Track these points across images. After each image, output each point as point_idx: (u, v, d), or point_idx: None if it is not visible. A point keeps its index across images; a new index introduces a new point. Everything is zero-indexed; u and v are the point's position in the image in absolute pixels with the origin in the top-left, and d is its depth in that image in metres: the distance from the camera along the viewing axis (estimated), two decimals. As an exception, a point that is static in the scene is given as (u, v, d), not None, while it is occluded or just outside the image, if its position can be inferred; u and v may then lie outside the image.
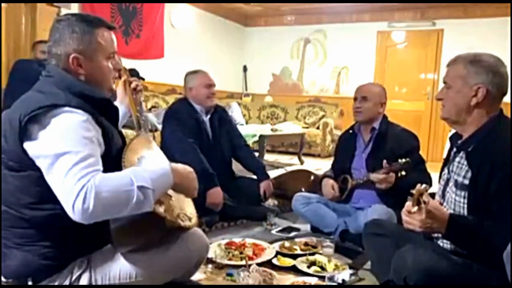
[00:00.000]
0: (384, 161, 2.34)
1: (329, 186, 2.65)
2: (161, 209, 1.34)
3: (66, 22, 1.37)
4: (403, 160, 2.31)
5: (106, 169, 1.25)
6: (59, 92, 1.30)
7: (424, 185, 1.33)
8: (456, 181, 1.53)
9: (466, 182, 1.48)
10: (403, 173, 2.32)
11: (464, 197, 1.49)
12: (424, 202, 1.32)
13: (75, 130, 1.22)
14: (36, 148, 1.22)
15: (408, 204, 1.37)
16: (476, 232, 1.38)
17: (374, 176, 2.38)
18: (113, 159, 1.34)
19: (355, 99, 2.62)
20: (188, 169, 1.43)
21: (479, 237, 1.38)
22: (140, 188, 1.20)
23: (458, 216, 1.47)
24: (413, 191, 1.33)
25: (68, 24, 1.37)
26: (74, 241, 1.32)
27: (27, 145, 1.22)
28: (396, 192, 2.28)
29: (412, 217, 1.36)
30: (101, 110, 1.37)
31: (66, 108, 1.25)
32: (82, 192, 1.12)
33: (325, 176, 2.79)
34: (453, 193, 1.55)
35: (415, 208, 1.33)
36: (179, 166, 1.40)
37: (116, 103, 1.70)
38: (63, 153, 1.18)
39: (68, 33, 1.36)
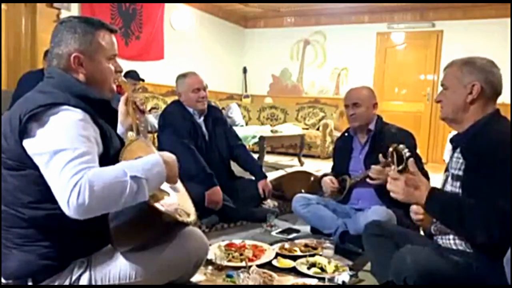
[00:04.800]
0: (380, 155, 2.35)
1: (328, 181, 2.67)
2: (158, 204, 1.34)
3: (69, 23, 1.40)
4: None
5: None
6: (58, 92, 1.31)
7: (401, 145, 1.42)
8: (452, 174, 1.60)
9: (461, 173, 1.54)
10: None
11: (459, 187, 1.54)
12: (408, 169, 1.40)
13: (73, 128, 1.24)
14: (35, 146, 1.23)
15: (393, 167, 1.45)
16: (454, 206, 1.41)
17: (371, 170, 2.38)
18: (110, 160, 1.34)
19: (346, 106, 2.63)
20: (172, 156, 1.43)
21: (457, 211, 1.40)
22: (133, 178, 1.21)
23: (441, 190, 1.54)
24: (390, 149, 1.44)
25: (70, 25, 1.39)
26: (73, 241, 1.33)
27: (26, 143, 1.24)
28: None
29: (394, 184, 1.43)
30: (100, 111, 1.38)
31: (65, 107, 1.26)
32: (76, 187, 1.12)
33: (324, 175, 2.80)
34: (450, 186, 1.60)
35: (393, 168, 1.43)
36: (165, 155, 1.39)
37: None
38: (60, 149, 1.19)
39: (70, 33, 1.37)
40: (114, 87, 1.52)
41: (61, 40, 1.38)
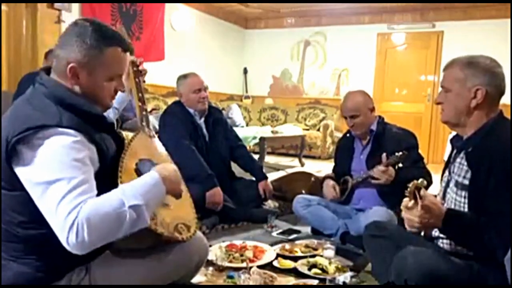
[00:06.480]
0: (383, 154, 2.36)
1: (330, 187, 2.67)
2: (156, 226, 1.32)
3: (82, 29, 1.29)
4: (400, 153, 2.32)
5: (102, 183, 1.23)
6: (50, 105, 1.24)
7: (420, 180, 1.34)
8: (456, 181, 1.55)
9: (466, 182, 1.49)
10: (400, 165, 2.35)
11: (464, 197, 1.50)
12: (421, 197, 1.34)
13: (66, 153, 1.16)
14: (27, 174, 1.17)
15: (406, 199, 1.39)
16: (471, 227, 1.39)
17: (375, 170, 2.39)
18: (109, 171, 1.32)
19: (344, 118, 2.64)
20: (174, 169, 1.38)
21: (474, 232, 1.38)
22: (132, 207, 1.16)
23: (455, 211, 1.48)
24: (409, 185, 1.35)
25: (82, 31, 1.28)
26: (69, 255, 1.24)
27: (17, 170, 1.18)
28: (396, 188, 2.29)
29: (410, 213, 1.38)
30: (94, 124, 1.31)
31: (57, 130, 1.18)
32: (74, 227, 1.09)
33: (326, 177, 2.80)
34: (453, 193, 1.56)
35: (412, 202, 1.35)
36: (166, 171, 1.33)
37: None
38: (55, 180, 1.13)
39: (79, 40, 1.27)
40: (112, 102, 1.43)
41: (67, 43, 1.28)
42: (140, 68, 1.73)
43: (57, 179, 1.13)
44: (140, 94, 1.65)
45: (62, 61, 1.29)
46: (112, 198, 1.17)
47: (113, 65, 1.33)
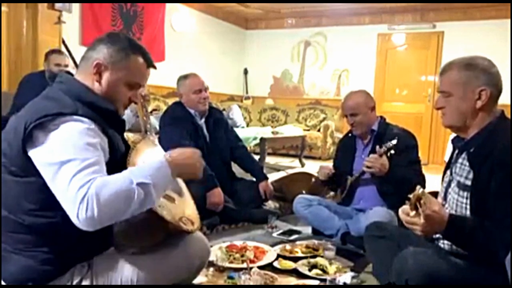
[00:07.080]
0: (377, 146, 2.37)
1: (324, 166, 2.73)
2: (164, 212, 1.34)
3: (115, 37, 1.43)
4: (393, 141, 2.34)
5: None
6: (67, 99, 1.30)
7: (421, 189, 1.33)
8: (458, 182, 1.54)
9: (468, 182, 1.49)
10: (392, 152, 2.35)
11: (466, 198, 1.50)
12: (421, 206, 1.32)
13: (80, 137, 1.22)
14: (41, 156, 1.21)
15: (406, 207, 1.37)
16: (475, 231, 1.39)
17: (367, 158, 2.41)
18: (117, 168, 1.33)
19: (345, 116, 2.65)
20: (187, 152, 1.41)
21: (478, 236, 1.38)
22: (140, 184, 1.20)
23: (458, 216, 1.47)
24: (411, 196, 1.33)
25: (114, 38, 1.42)
26: (74, 247, 1.32)
27: (31, 153, 1.22)
28: (396, 188, 2.30)
29: (412, 222, 1.36)
30: (109, 120, 1.38)
31: (73, 117, 1.25)
32: (84, 201, 1.12)
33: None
34: (455, 194, 1.55)
35: (413, 213, 1.34)
36: (175, 153, 1.37)
37: None
38: (68, 160, 1.17)
39: (109, 44, 1.40)
40: (125, 112, 1.50)
41: (98, 46, 1.40)
42: (144, 94, 1.81)
43: (70, 159, 1.18)
44: (144, 112, 1.75)
45: (90, 59, 1.39)
46: (120, 177, 1.22)
47: (134, 72, 1.42)
